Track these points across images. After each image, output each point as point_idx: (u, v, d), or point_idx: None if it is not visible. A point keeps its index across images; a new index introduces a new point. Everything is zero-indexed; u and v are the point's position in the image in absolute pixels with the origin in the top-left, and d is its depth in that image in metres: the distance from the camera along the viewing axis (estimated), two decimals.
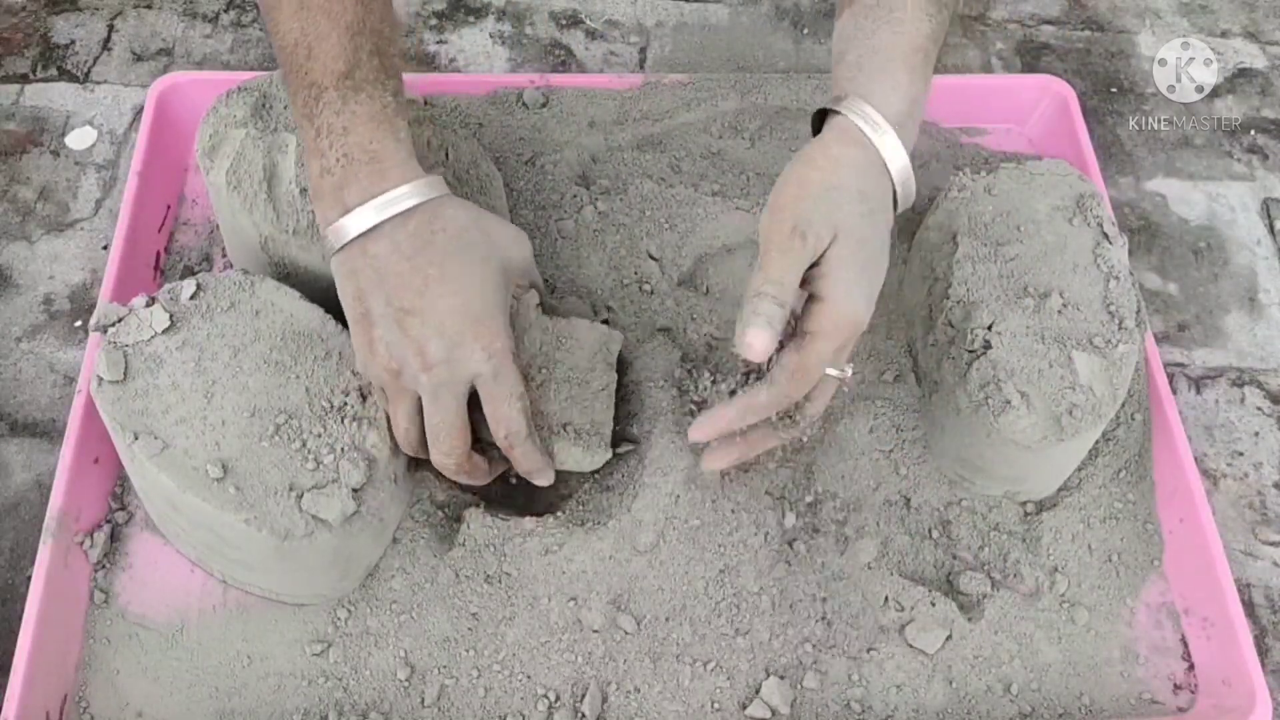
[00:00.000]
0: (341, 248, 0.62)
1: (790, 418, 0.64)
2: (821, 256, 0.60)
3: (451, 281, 0.61)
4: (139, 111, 0.93)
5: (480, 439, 0.65)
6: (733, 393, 0.66)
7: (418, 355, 0.61)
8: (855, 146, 0.62)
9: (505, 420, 0.63)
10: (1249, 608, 0.76)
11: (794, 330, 0.62)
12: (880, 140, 0.62)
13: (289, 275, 0.74)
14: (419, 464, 0.69)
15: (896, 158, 0.62)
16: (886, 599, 0.70)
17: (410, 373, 0.61)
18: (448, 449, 0.64)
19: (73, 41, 0.99)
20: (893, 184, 0.63)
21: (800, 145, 0.64)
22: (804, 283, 0.61)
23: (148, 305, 0.67)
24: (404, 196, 0.61)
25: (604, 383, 0.70)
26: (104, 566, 0.70)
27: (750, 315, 0.58)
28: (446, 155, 0.74)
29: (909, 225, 0.85)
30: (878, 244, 0.62)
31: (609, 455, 0.69)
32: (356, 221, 0.61)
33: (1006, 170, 0.78)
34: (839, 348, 0.61)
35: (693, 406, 0.71)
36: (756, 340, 0.58)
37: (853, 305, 0.60)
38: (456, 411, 0.63)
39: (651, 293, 0.80)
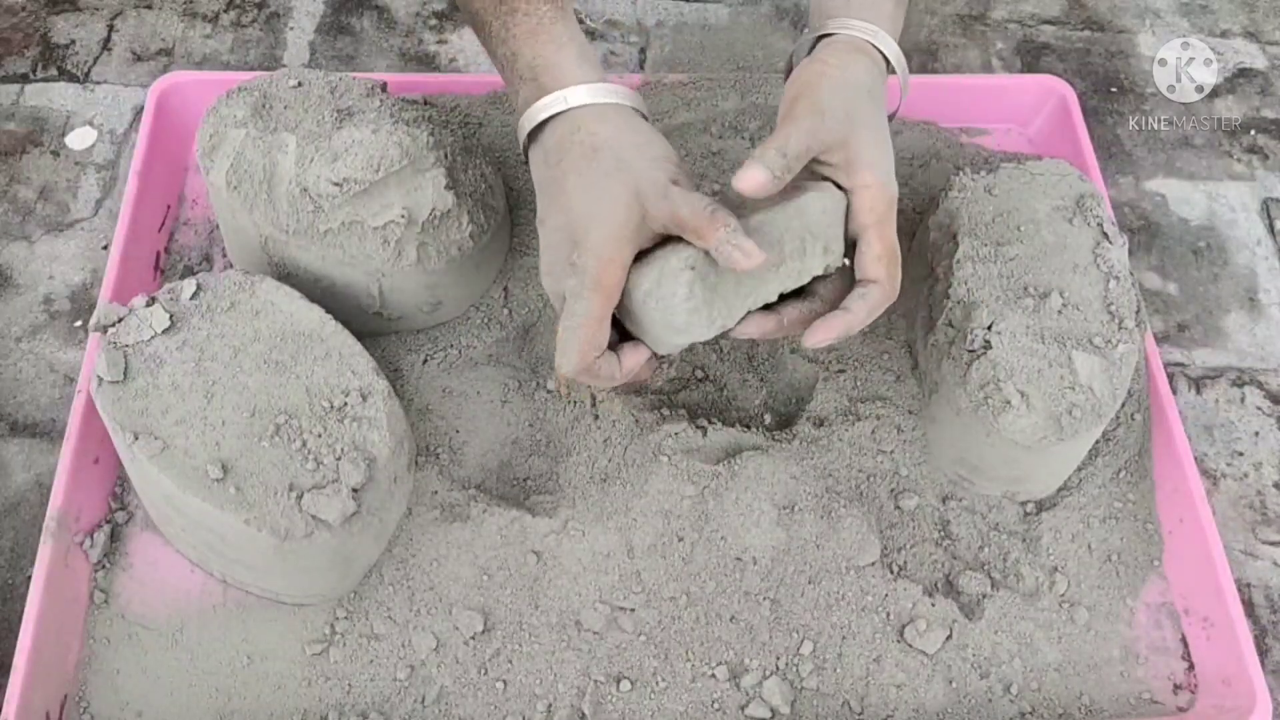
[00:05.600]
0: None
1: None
2: (849, 146, 0.62)
3: (572, 194, 0.61)
4: (139, 111, 0.93)
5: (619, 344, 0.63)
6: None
7: (541, 263, 0.63)
8: (859, 52, 0.65)
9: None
10: (1249, 608, 0.76)
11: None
12: (881, 43, 0.66)
13: (289, 275, 0.74)
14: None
15: (896, 57, 0.67)
16: (886, 599, 0.70)
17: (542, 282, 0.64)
18: (561, 351, 0.61)
19: (73, 41, 0.99)
20: (898, 79, 0.67)
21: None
22: (827, 177, 0.63)
23: (148, 305, 0.67)
24: (551, 104, 0.63)
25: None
26: (104, 566, 0.70)
27: (751, 160, 0.59)
28: (446, 155, 0.74)
29: (909, 225, 0.85)
30: (887, 136, 0.65)
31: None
32: (520, 134, 0.64)
33: (1006, 170, 0.78)
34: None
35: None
36: (751, 175, 0.58)
37: (892, 183, 0.63)
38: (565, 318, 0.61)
39: None
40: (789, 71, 0.70)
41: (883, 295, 0.63)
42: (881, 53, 0.66)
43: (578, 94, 0.63)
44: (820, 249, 0.62)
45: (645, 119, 0.65)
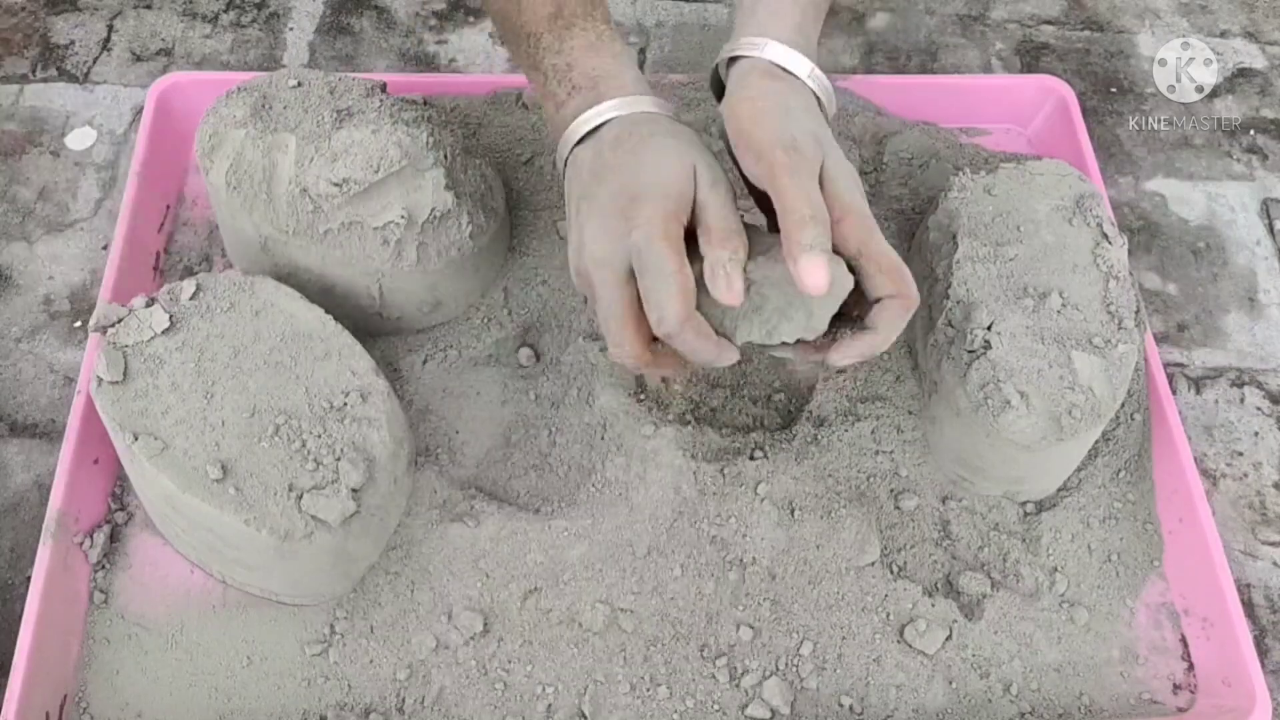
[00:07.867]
0: (566, 164, 0.65)
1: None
2: (823, 172, 0.60)
3: (622, 170, 0.61)
4: (139, 111, 0.93)
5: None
6: None
7: (578, 238, 0.61)
8: (770, 77, 0.64)
9: (654, 304, 0.58)
10: (1249, 608, 0.76)
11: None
12: (791, 63, 0.64)
13: (289, 275, 0.74)
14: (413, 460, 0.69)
15: (804, 69, 0.65)
16: (886, 599, 0.70)
17: (581, 261, 0.61)
18: (615, 340, 0.60)
19: (72, 42, 0.99)
20: (816, 96, 0.65)
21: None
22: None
23: (147, 305, 0.67)
24: (613, 108, 0.63)
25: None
26: (104, 567, 0.70)
27: (800, 248, 0.55)
28: (445, 155, 0.74)
29: (909, 225, 0.86)
30: (842, 155, 0.62)
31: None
32: (572, 134, 0.64)
33: (1006, 170, 0.78)
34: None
35: None
36: (818, 270, 0.55)
37: (863, 202, 0.60)
38: (617, 297, 0.59)
39: None
40: (717, 87, 0.69)
41: (902, 305, 0.60)
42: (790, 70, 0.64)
43: (643, 102, 0.64)
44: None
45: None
